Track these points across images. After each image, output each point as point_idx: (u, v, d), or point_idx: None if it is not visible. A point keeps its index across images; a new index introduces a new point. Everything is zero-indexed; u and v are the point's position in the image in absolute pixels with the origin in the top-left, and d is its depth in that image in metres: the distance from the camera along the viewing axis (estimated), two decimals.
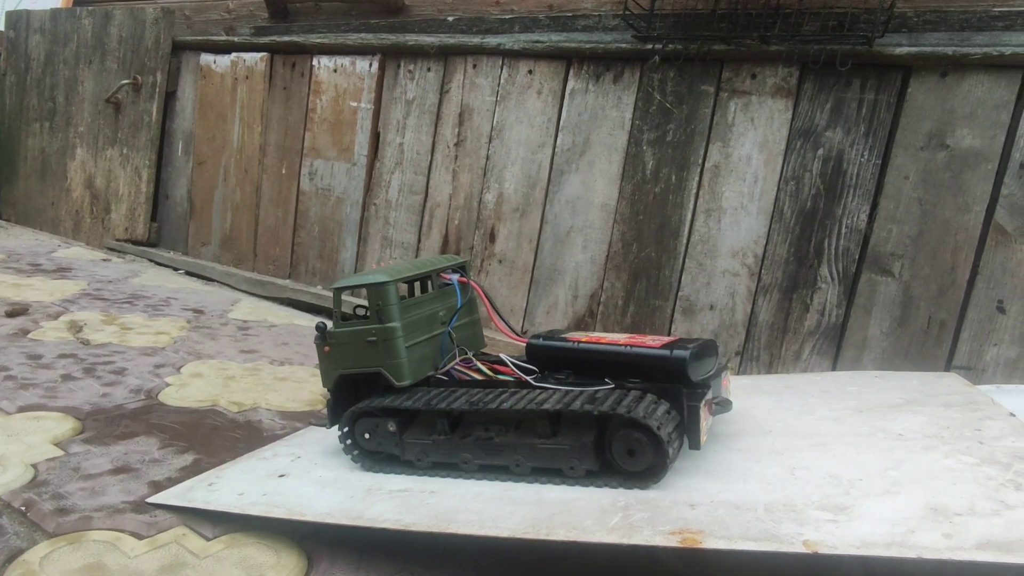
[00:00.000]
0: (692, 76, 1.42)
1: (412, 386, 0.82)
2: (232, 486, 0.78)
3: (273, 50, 2.01)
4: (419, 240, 1.80)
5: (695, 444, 0.72)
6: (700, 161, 1.41)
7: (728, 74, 1.38)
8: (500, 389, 0.79)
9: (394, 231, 1.84)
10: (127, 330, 1.40)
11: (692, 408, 0.71)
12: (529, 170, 1.62)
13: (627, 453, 0.69)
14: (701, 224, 1.40)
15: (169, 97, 2.20)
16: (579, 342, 0.81)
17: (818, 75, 1.30)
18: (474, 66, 1.70)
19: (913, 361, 1.23)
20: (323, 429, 0.92)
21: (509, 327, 0.91)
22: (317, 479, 0.79)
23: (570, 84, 1.56)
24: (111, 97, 2.18)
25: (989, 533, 0.49)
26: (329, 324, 0.86)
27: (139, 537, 0.70)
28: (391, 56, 1.83)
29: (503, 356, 0.86)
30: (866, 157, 1.26)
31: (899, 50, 1.22)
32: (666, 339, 0.78)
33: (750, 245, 1.36)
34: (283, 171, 2.03)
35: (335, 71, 1.91)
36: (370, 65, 1.85)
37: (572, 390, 0.75)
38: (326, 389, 0.87)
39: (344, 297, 0.89)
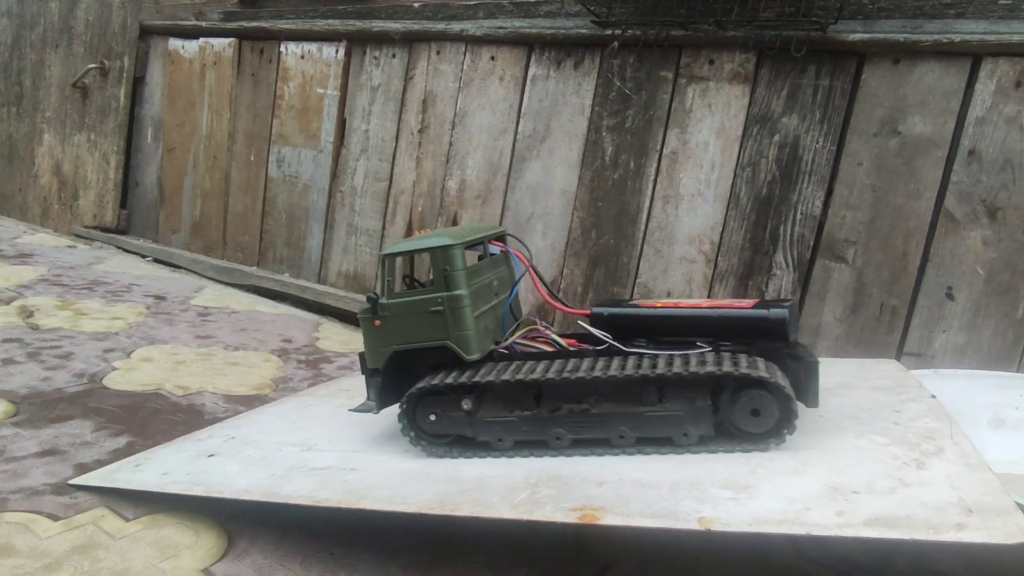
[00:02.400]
0: (651, 62, 1.41)
1: (480, 361, 0.75)
2: (158, 467, 0.78)
3: (241, 36, 2.00)
4: (383, 227, 1.79)
5: (814, 402, 0.68)
6: (658, 147, 1.40)
7: (686, 60, 1.38)
8: (591, 358, 0.74)
9: (359, 218, 1.83)
10: (81, 316, 1.39)
11: (811, 365, 0.68)
12: (491, 156, 1.61)
13: (751, 414, 0.66)
14: (659, 211, 1.40)
15: (137, 82, 2.19)
16: (656, 307, 0.78)
17: (774, 61, 1.30)
18: (438, 52, 1.69)
19: (865, 348, 1.23)
20: (277, 410, 0.89)
21: (557, 298, 0.86)
22: (245, 458, 0.79)
23: (532, 70, 1.55)
24: (78, 82, 2.16)
25: (880, 510, 0.49)
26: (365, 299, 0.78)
27: (55, 519, 0.70)
28: (357, 42, 1.82)
29: (581, 322, 0.80)
30: (821, 143, 1.26)
31: (853, 36, 1.22)
32: (745, 301, 0.76)
33: (707, 232, 1.36)
34: (251, 158, 2.02)
35: (302, 57, 1.90)
36: (336, 51, 1.84)
37: (673, 354, 0.71)
38: (372, 369, 0.79)
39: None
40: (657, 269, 1.40)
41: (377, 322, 0.77)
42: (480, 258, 0.83)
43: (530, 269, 0.85)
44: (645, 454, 0.68)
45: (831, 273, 1.25)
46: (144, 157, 2.23)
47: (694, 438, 0.67)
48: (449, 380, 0.73)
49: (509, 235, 0.92)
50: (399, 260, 0.78)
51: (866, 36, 1.21)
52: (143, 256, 2.06)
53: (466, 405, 0.73)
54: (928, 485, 0.52)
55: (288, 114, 1.93)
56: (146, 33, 2.16)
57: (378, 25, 1.77)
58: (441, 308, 0.74)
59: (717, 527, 0.50)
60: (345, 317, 1.74)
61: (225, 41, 2.00)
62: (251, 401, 1.08)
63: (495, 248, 0.86)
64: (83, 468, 0.80)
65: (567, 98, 1.51)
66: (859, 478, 0.55)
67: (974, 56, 1.14)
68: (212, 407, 1.03)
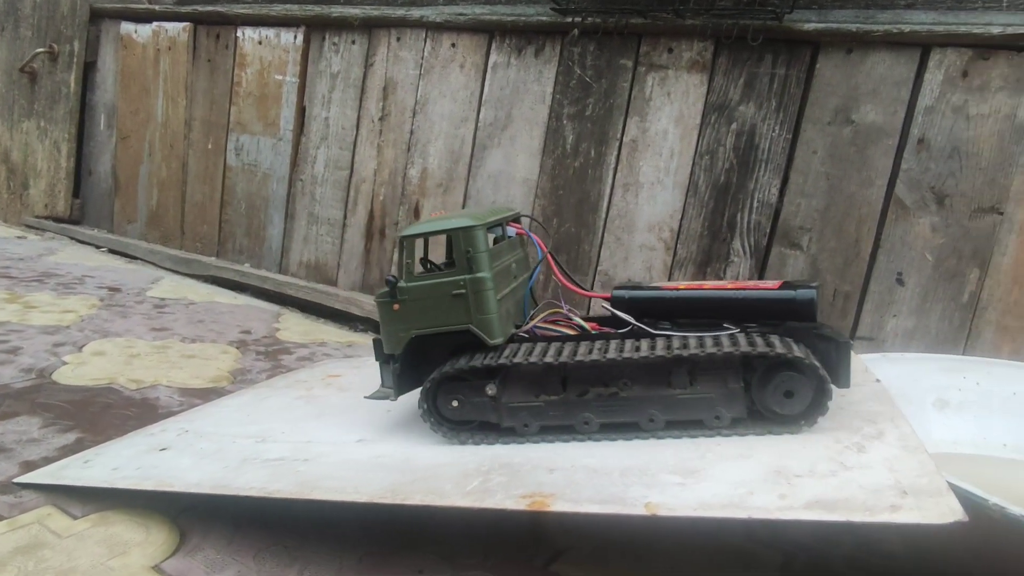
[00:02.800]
0: (611, 50, 1.41)
1: (502, 345, 0.74)
2: (108, 462, 0.76)
3: (196, 20, 1.95)
4: (345, 216, 1.77)
5: (846, 382, 0.68)
6: (619, 135, 1.41)
7: (646, 48, 1.38)
8: (618, 340, 0.72)
9: (320, 207, 1.81)
10: (31, 308, 1.35)
11: (843, 345, 0.68)
12: (452, 145, 1.60)
13: (784, 396, 0.65)
14: (619, 199, 1.41)
15: (89, 68, 2.12)
16: (679, 289, 0.76)
17: (732, 50, 1.31)
18: (398, 39, 1.67)
19: None
20: (234, 402, 0.88)
21: (574, 282, 0.85)
22: (198, 451, 0.78)
23: (492, 58, 1.55)
24: (25, 66, 2.09)
25: (820, 493, 0.51)
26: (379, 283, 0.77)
27: None
28: (316, 28, 1.79)
29: (604, 305, 0.78)
30: (777, 132, 1.28)
31: (808, 26, 1.23)
32: (768, 282, 0.75)
33: (666, 219, 1.37)
34: (209, 146, 1.98)
35: (260, 43, 1.86)
36: (295, 37, 1.81)
37: (703, 335, 0.69)
38: (389, 354, 0.77)
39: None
40: (618, 257, 1.41)
41: (396, 306, 0.75)
42: (496, 240, 0.81)
43: (548, 253, 0.84)
44: (675, 438, 0.67)
45: (786, 260, 1.27)
46: (97, 145, 2.17)
47: (726, 421, 0.66)
48: (473, 364, 0.71)
49: (525, 216, 0.91)
50: (418, 242, 0.76)
51: (820, 26, 1.23)
52: (97, 247, 2.01)
53: (490, 390, 0.71)
54: (867, 468, 0.54)
55: (246, 101, 1.90)
56: (97, 16, 2.10)
57: (337, 11, 1.74)
58: (463, 291, 0.72)
59: (663, 512, 0.51)
60: (306, 307, 1.72)
61: (179, 25, 1.95)
62: (207, 394, 1.06)
63: (512, 230, 0.84)
64: (29, 466, 0.78)
65: (528, 86, 1.50)
66: (802, 462, 0.56)
67: (923, 46, 1.17)
68: (167, 401, 1.01)
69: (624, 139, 1.40)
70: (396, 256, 0.75)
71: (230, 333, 1.39)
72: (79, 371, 1.07)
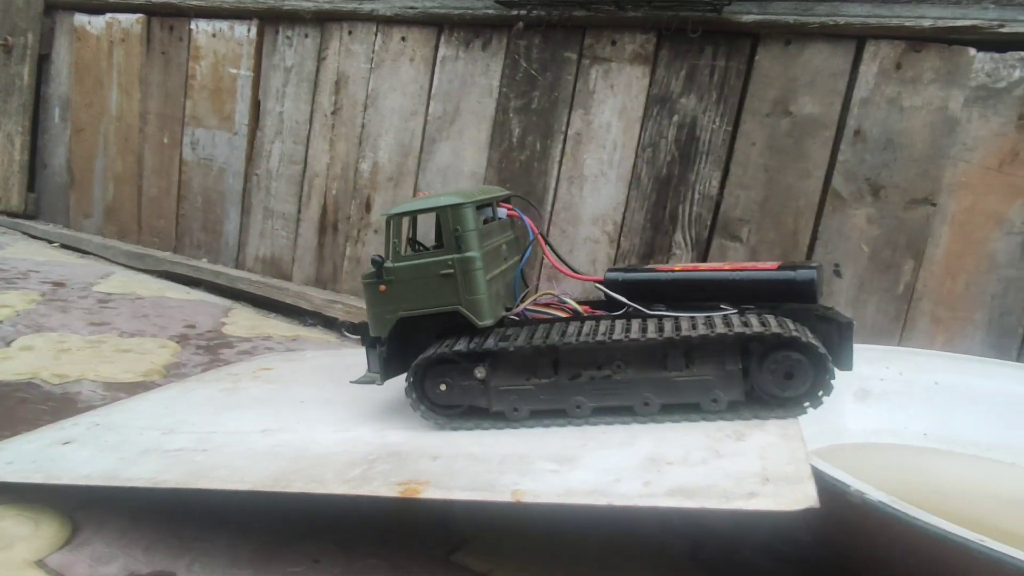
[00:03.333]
0: (556, 43, 1.41)
1: (491, 328, 0.72)
2: (6, 456, 0.75)
3: (149, 12, 1.93)
4: (299, 211, 1.76)
5: (848, 364, 0.66)
6: (563, 128, 1.40)
7: (590, 41, 1.38)
8: (610, 322, 0.70)
9: (275, 202, 1.80)
10: None
11: (845, 325, 0.66)
12: (402, 139, 1.59)
13: (784, 377, 0.64)
14: (564, 192, 1.41)
15: (43, 60, 2.10)
16: (674, 271, 0.75)
17: (673, 42, 1.30)
18: (349, 33, 1.66)
19: None
20: (157, 396, 0.86)
21: (567, 265, 0.83)
22: (101, 444, 0.77)
23: (441, 51, 1.54)
24: None
25: (685, 481, 0.50)
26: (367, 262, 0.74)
27: None
28: (269, 21, 1.78)
29: (599, 286, 0.76)
30: (718, 124, 1.28)
31: (747, 18, 1.23)
32: (766, 263, 0.74)
33: (610, 212, 1.37)
34: (165, 140, 1.96)
35: (214, 36, 1.85)
36: (248, 30, 1.79)
37: (699, 316, 0.68)
38: (375, 337, 0.75)
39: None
40: (563, 250, 1.41)
41: (382, 287, 0.72)
42: (485, 221, 0.78)
43: (539, 235, 0.81)
44: (690, 420, 0.65)
45: (727, 252, 1.27)
46: (52, 138, 2.15)
47: (723, 404, 0.65)
48: (460, 347, 0.69)
49: (517, 196, 0.88)
50: (405, 221, 0.74)
51: (759, 17, 1.23)
52: (50, 242, 1.99)
53: (479, 373, 0.69)
54: (740, 456, 0.53)
55: (201, 95, 1.88)
56: (51, 8, 2.07)
57: (289, 4, 1.73)
58: (452, 271, 0.70)
59: (528, 499, 0.51)
60: (259, 302, 1.71)
61: (133, 17, 1.93)
62: (135, 388, 1.05)
63: (503, 211, 0.82)
64: None
65: (475, 79, 1.50)
66: (678, 450, 0.56)
67: (858, 39, 1.17)
68: (89, 395, 1.00)
69: (569, 132, 1.40)
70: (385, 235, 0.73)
71: (173, 328, 1.37)
72: (2, 367, 1.06)
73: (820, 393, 0.64)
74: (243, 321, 1.51)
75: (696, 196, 1.30)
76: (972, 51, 1.09)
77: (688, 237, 1.30)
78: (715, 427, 0.60)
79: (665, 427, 0.62)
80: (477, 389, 0.69)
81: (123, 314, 1.40)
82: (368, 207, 1.64)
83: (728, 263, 0.76)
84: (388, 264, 0.72)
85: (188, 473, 0.64)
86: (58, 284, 1.56)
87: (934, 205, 1.12)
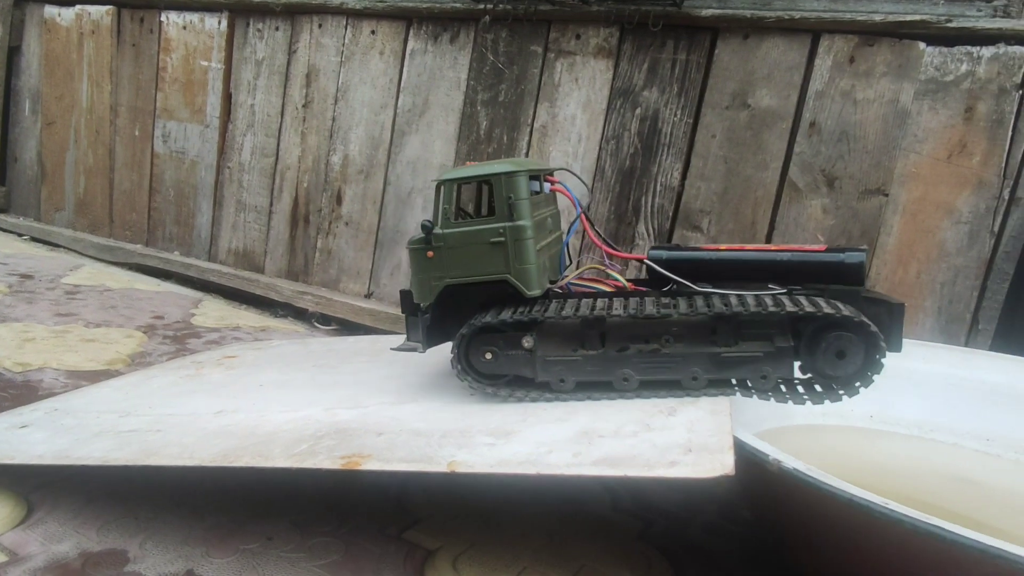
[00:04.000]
0: (522, 36, 1.42)
1: (540, 298, 0.71)
2: None
3: (120, 3, 1.93)
4: (271, 204, 1.77)
5: (898, 345, 0.66)
6: (530, 121, 1.42)
7: (555, 34, 1.40)
8: (659, 296, 0.70)
9: (247, 195, 1.80)
10: None
11: (896, 307, 0.66)
12: (372, 131, 1.60)
13: (836, 356, 0.64)
14: None
15: (13, 52, 2.09)
16: (720, 250, 0.74)
17: (635, 36, 1.33)
18: (320, 26, 1.67)
19: None
20: (119, 382, 0.87)
21: (607, 242, 0.82)
22: (57, 427, 0.78)
23: (410, 44, 1.55)
24: None
25: (612, 452, 0.52)
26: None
27: None
28: (240, 14, 1.78)
29: (646, 261, 0.76)
30: (679, 116, 1.30)
31: (706, 12, 1.26)
32: (814, 245, 0.73)
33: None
34: (136, 133, 1.96)
35: (184, 28, 1.85)
36: (219, 22, 1.79)
37: (749, 294, 0.67)
38: (417, 305, 0.73)
39: None
40: None
41: (430, 253, 0.71)
42: (534, 194, 0.77)
43: (582, 213, 0.80)
44: (736, 394, 0.64)
45: (688, 242, 1.30)
46: (22, 131, 2.14)
47: (773, 381, 0.64)
48: (507, 316, 0.67)
49: (564, 169, 0.89)
50: (456, 188, 0.72)
51: (718, 11, 1.25)
52: (20, 235, 1.99)
53: (527, 343, 0.68)
54: (669, 429, 0.55)
55: (172, 87, 1.88)
56: (21, 0, 2.06)
57: None
58: (502, 239, 0.69)
59: (462, 469, 0.52)
60: (230, 294, 1.72)
61: (103, 9, 1.93)
62: (98, 377, 1.06)
63: (547, 185, 0.82)
64: None
65: (444, 72, 1.51)
66: (612, 424, 0.58)
67: (814, 33, 1.19)
68: (51, 383, 1.01)
69: (535, 124, 1.42)
70: (434, 202, 0.72)
71: (141, 318, 1.38)
72: None
73: (871, 374, 0.64)
74: (213, 312, 1.52)
75: (658, 187, 1.32)
76: (922, 45, 1.12)
77: (651, 228, 1.33)
78: (651, 403, 0.62)
79: (605, 403, 0.64)
80: (523, 359, 0.68)
81: (90, 305, 1.41)
82: (339, 200, 1.65)
83: (773, 244, 0.76)
84: (437, 230, 0.71)
85: (139, 451, 0.65)
86: (25, 276, 1.56)
87: (886, 195, 1.15)
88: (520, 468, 0.51)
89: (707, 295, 0.69)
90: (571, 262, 0.86)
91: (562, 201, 0.91)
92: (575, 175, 0.91)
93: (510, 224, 0.69)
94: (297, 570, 0.65)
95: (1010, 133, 1.07)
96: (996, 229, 1.09)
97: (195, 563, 0.64)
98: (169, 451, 0.64)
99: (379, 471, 0.54)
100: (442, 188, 0.72)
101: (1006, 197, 1.08)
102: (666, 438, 0.54)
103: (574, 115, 1.38)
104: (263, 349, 1.17)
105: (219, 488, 0.77)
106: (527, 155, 1.42)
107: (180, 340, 1.29)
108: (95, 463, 0.65)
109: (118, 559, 0.64)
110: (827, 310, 0.63)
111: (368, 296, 1.61)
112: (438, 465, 0.53)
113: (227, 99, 1.82)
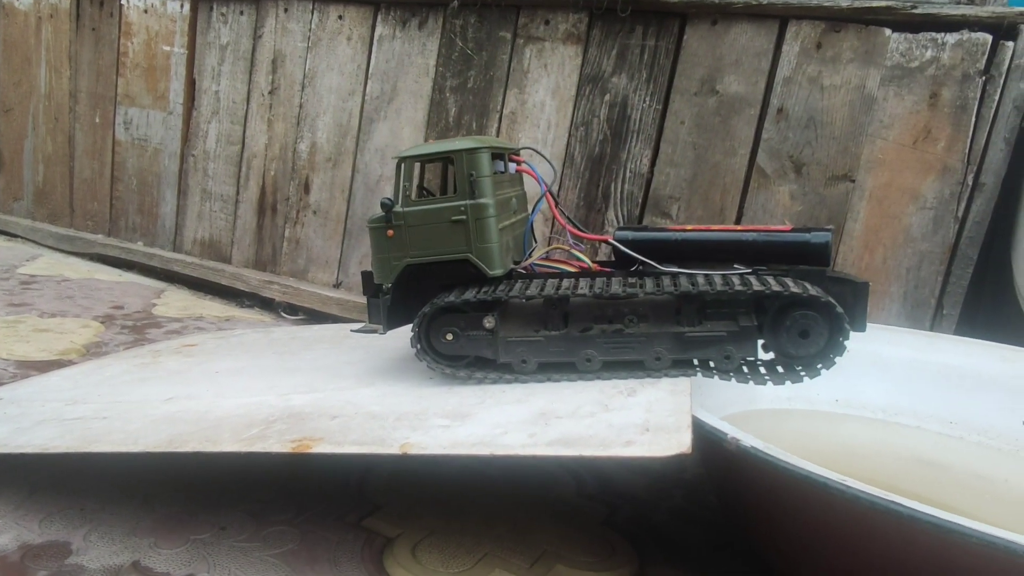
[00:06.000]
0: (491, 22, 1.41)
1: (500, 279, 0.69)
2: None
3: None
4: (237, 192, 1.73)
5: (861, 325, 0.65)
6: (499, 108, 1.41)
7: (524, 20, 1.38)
8: (623, 276, 0.69)
9: (213, 183, 1.76)
10: None
11: (860, 286, 0.65)
12: (340, 119, 1.58)
13: (800, 336, 0.63)
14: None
15: None
16: (686, 231, 0.73)
17: (604, 22, 1.31)
18: (285, 10, 1.63)
19: None
20: (70, 372, 0.84)
21: (574, 224, 0.81)
22: (1, 416, 0.75)
23: (378, 30, 1.52)
24: None
25: (568, 432, 0.51)
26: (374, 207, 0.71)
27: None
28: None
29: (611, 241, 0.75)
30: (648, 103, 1.29)
31: None
32: (780, 226, 0.73)
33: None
34: (97, 120, 1.91)
35: (145, 11, 1.80)
36: (181, 6, 1.75)
37: (714, 273, 0.67)
38: (377, 286, 0.72)
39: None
40: None
41: (390, 232, 0.69)
42: (496, 173, 0.76)
43: (548, 192, 0.79)
44: (704, 376, 0.64)
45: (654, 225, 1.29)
46: None
47: (736, 361, 0.64)
48: (469, 295, 0.66)
49: (530, 149, 0.87)
50: (417, 165, 0.71)
51: None
52: None
53: (488, 323, 0.66)
54: (627, 410, 0.54)
55: (134, 73, 1.83)
56: None
57: None
58: (464, 217, 0.67)
59: (415, 451, 0.51)
60: (195, 284, 1.68)
61: None
62: (49, 367, 1.02)
63: (513, 165, 0.80)
64: None
65: (412, 58, 1.49)
66: (570, 405, 0.56)
67: (781, 19, 1.19)
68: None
69: (504, 111, 1.40)
70: (394, 180, 0.70)
71: (99, 309, 1.34)
72: None
73: (834, 355, 0.64)
74: (176, 302, 1.49)
75: (628, 174, 1.31)
76: (887, 31, 1.12)
77: (620, 215, 1.32)
78: (611, 384, 0.61)
79: (561, 385, 0.63)
80: (484, 339, 0.67)
81: (46, 295, 1.37)
82: (307, 188, 1.62)
83: (740, 225, 0.75)
84: (397, 208, 0.69)
85: (81, 439, 0.63)
86: None
87: (853, 181, 1.16)
88: (474, 449, 0.50)
89: (672, 275, 0.69)
90: (537, 243, 0.85)
91: (532, 184, 0.90)
92: (542, 155, 0.89)
93: (471, 202, 0.68)
94: (250, 560, 0.63)
95: (973, 119, 1.08)
96: (960, 214, 1.10)
97: (142, 554, 0.62)
98: (113, 438, 0.62)
99: (330, 454, 0.52)
100: (402, 165, 0.70)
101: (969, 183, 1.09)
102: (624, 418, 0.53)
103: (543, 101, 1.37)
104: (225, 338, 1.15)
105: (174, 478, 0.75)
106: None
107: (139, 330, 1.25)
108: (34, 451, 0.62)
109: (60, 551, 0.61)
110: (794, 289, 0.62)
111: (337, 286, 1.59)
112: (390, 447, 0.52)
113: (191, 85, 1.77)
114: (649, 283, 0.66)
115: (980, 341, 0.96)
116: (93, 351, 1.11)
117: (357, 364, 0.80)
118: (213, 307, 1.49)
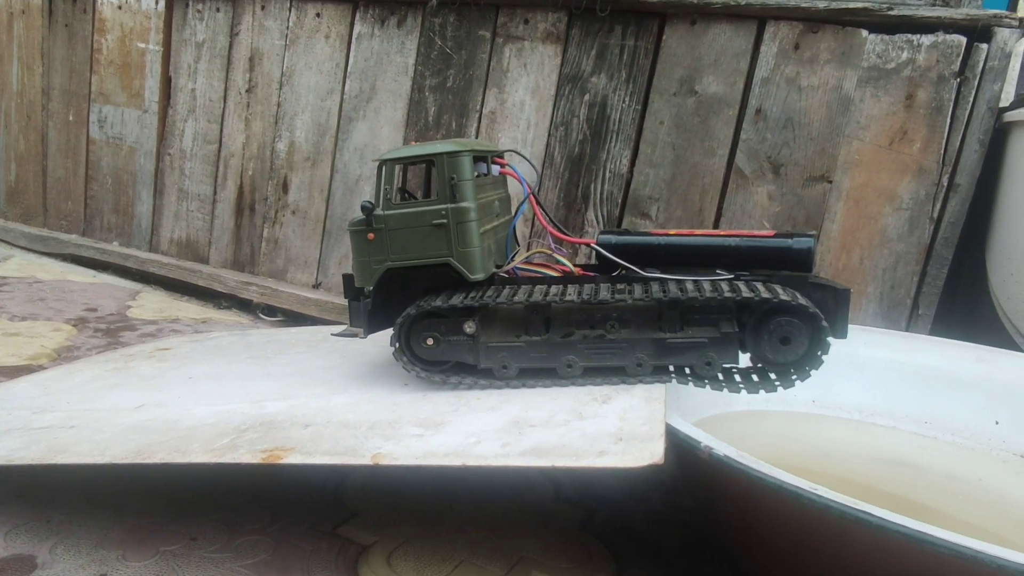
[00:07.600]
0: (470, 21, 1.40)
1: (482, 283, 0.69)
2: None
3: None
4: (215, 192, 1.71)
5: (843, 332, 0.65)
6: (478, 107, 1.40)
7: (503, 19, 1.37)
8: (605, 282, 0.69)
9: (190, 182, 1.74)
10: None
11: (842, 293, 0.65)
12: (319, 118, 1.56)
13: (780, 342, 0.63)
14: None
15: None
16: (669, 235, 0.73)
17: (584, 21, 1.31)
18: (262, 8, 1.61)
19: None
20: (39, 377, 0.83)
21: (558, 227, 0.80)
22: None
23: (357, 28, 1.51)
24: None
25: (541, 441, 0.51)
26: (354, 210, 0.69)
27: None
28: None
29: (594, 246, 0.75)
30: (627, 103, 1.29)
31: None
32: (763, 231, 0.73)
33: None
34: (70, 118, 1.87)
35: (120, 8, 1.77)
36: (156, 3, 1.72)
37: (697, 279, 0.66)
38: (357, 290, 0.71)
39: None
40: None
41: (371, 235, 0.69)
42: (479, 176, 0.75)
43: (531, 195, 0.79)
44: (691, 383, 0.64)
45: (637, 229, 1.29)
46: None
47: (717, 368, 0.64)
48: (451, 301, 0.66)
49: (513, 151, 0.87)
50: (398, 168, 0.70)
51: None
52: None
53: (469, 328, 0.66)
54: (601, 418, 0.54)
55: (108, 70, 1.80)
56: None
57: None
58: (445, 221, 0.67)
59: (387, 462, 0.50)
60: (171, 285, 1.66)
61: None
62: (18, 373, 1.00)
63: (496, 168, 0.79)
64: None
65: (391, 57, 1.47)
66: (544, 413, 0.56)
67: (759, 19, 1.19)
68: None
69: (484, 111, 1.39)
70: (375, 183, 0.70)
71: (71, 311, 1.32)
72: None
73: (816, 360, 0.64)
74: (151, 304, 1.46)
75: (607, 175, 1.31)
76: (864, 33, 1.13)
77: (600, 215, 1.32)
78: (586, 391, 0.61)
79: (536, 391, 0.63)
80: (465, 345, 0.67)
81: (16, 298, 1.34)
82: (285, 188, 1.61)
83: (723, 229, 0.75)
84: (378, 211, 0.69)
85: (47, 449, 0.62)
86: None
87: (830, 182, 1.16)
88: (446, 460, 0.49)
89: (655, 281, 0.68)
90: (520, 246, 0.84)
91: (515, 186, 0.90)
92: (525, 158, 0.89)
93: (452, 206, 0.67)
94: (221, 571, 0.62)
95: (948, 120, 1.09)
96: (935, 215, 1.11)
97: (110, 567, 0.61)
98: (80, 448, 0.61)
99: (301, 464, 0.52)
100: (383, 168, 0.70)
101: (944, 184, 1.10)
102: (597, 427, 0.52)
103: (523, 101, 1.36)
104: (200, 341, 1.13)
105: (145, 488, 0.74)
106: None
107: (113, 333, 1.23)
108: None
109: (24, 565, 0.60)
110: (781, 296, 0.62)
111: (316, 286, 1.57)
112: (362, 458, 0.51)
113: (166, 83, 1.75)
114: (637, 289, 0.66)
115: (955, 342, 0.97)
116: (64, 356, 1.09)
117: (333, 370, 0.80)
118: (190, 309, 1.47)
